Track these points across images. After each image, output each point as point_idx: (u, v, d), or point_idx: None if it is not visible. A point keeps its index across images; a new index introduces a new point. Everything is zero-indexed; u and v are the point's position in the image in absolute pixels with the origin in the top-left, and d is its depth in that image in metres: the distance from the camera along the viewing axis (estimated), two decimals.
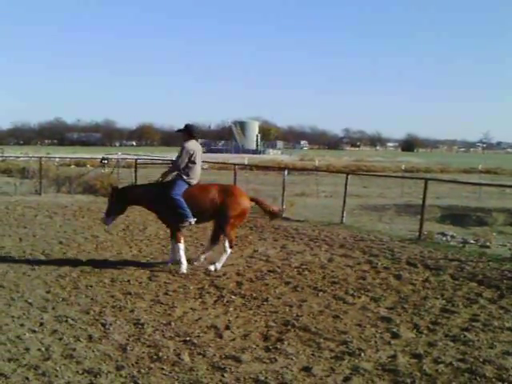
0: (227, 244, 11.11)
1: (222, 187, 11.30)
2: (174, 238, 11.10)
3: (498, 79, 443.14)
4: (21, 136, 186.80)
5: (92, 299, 9.01)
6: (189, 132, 11.22)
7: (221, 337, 7.38)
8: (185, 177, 10.96)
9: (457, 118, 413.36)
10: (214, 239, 11.50)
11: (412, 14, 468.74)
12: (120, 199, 11.35)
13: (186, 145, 11.01)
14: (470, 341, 7.31)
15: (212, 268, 10.99)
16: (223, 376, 6.12)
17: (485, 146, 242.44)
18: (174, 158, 11.44)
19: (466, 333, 7.63)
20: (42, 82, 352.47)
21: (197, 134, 11.38)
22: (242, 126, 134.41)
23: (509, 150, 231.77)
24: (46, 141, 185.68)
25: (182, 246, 11.04)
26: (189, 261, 11.17)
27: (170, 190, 10.81)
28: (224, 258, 11.14)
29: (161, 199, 10.90)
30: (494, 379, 6.08)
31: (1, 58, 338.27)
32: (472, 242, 14.92)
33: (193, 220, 10.84)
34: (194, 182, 11.08)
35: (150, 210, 11.72)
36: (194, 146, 11.10)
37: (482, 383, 6.00)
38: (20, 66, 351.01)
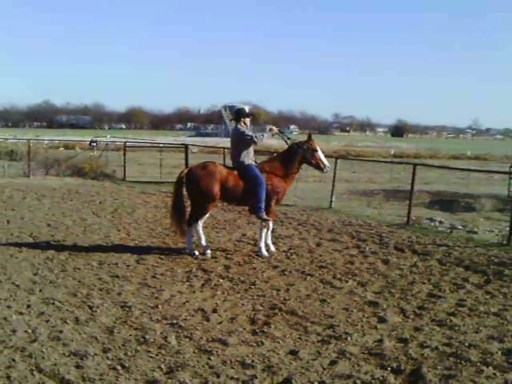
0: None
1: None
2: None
3: (487, 66, 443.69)
4: (9, 118, 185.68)
5: (79, 282, 9.01)
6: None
7: (208, 320, 7.40)
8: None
9: (446, 105, 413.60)
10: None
11: None
12: None
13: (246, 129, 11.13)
14: (456, 325, 7.34)
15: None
16: (210, 359, 6.13)
17: (474, 132, 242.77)
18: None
19: (452, 317, 7.65)
20: (31, 64, 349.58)
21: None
22: (231, 110, 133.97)
23: (498, 136, 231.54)
24: (35, 123, 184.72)
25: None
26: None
27: None
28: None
29: None
30: (478, 363, 6.10)
31: None
32: (460, 227, 14.96)
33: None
34: (232, 164, 11.20)
35: None
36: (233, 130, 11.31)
37: (467, 367, 6.02)
38: (11, 47, 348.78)
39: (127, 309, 7.75)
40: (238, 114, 11.28)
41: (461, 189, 25.80)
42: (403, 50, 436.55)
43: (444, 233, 14.12)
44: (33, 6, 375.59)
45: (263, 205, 10.73)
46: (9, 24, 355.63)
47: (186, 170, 11.10)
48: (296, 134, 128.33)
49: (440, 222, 15.67)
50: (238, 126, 11.08)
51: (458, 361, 6.18)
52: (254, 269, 10.07)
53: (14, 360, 5.97)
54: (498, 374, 5.88)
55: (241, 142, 10.93)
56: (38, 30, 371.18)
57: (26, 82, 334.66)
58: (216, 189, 10.57)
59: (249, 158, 10.96)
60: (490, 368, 6.00)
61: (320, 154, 11.36)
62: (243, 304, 8.10)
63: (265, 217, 10.83)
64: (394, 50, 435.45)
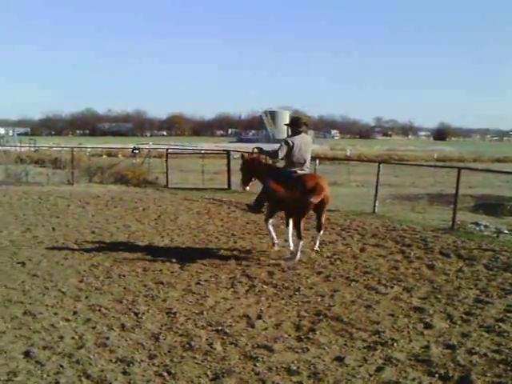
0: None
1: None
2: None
3: None
4: (52, 126, 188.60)
5: (125, 288, 9.09)
6: (292, 125, 11.71)
7: (253, 326, 7.39)
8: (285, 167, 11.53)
9: (490, 107, 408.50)
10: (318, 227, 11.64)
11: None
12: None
13: (287, 138, 11.45)
14: (505, 332, 7.22)
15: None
16: (255, 365, 6.14)
17: None
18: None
19: (500, 323, 7.53)
20: (72, 72, 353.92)
21: (299, 126, 11.63)
22: (272, 115, 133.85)
23: None
24: (78, 131, 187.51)
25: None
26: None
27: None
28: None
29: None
30: None
31: (31, 46, 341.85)
32: (506, 231, 14.75)
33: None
34: (296, 172, 11.32)
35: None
36: (296, 139, 11.32)
37: None
38: (50, 55, 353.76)
39: (172, 315, 7.78)
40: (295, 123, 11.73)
41: (506, 192, 25.46)
42: (447, 51, 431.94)
43: (490, 237, 13.93)
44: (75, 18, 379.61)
45: None
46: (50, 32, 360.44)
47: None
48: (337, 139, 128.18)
49: (485, 227, 15.47)
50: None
51: (509, 368, 6.07)
52: (298, 275, 10.04)
53: (61, 366, 6.04)
54: None
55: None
56: (81, 41, 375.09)
57: (69, 91, 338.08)
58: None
59: None
60: None
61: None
62: (288, 310, 8.09)
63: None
64: (438, 50, 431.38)
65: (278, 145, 11.38)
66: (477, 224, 15.77)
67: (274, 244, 11.93)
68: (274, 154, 11.42)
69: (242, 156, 12.57)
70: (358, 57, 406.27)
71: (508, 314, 7.93)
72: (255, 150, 12.19)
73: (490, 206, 20.68)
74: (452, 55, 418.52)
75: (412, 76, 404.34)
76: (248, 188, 12.32)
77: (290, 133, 11.71)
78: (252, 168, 12.01)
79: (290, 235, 11.53)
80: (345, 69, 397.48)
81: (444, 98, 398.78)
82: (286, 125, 12.22)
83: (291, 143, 11.17)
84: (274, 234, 11.91)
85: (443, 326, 7.49)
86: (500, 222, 16.80)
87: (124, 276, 9.84)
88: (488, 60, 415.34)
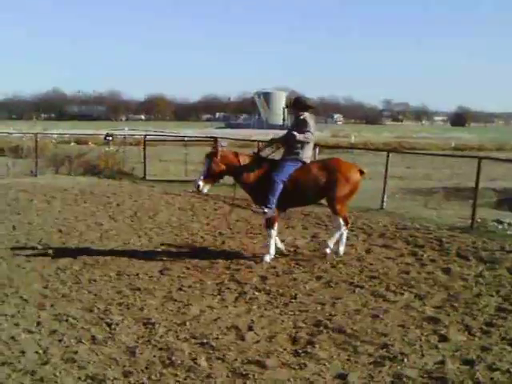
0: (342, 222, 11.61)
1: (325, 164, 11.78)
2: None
3: None
4: (13, 110, 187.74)
5: (96, 295, 9.09)
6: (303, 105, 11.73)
7: (243, 339, 7.40)
8: (301, 155, 11.44)
9: None
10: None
11: None
12: None
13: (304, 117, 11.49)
14: None
15: (328, 250, 11.59)
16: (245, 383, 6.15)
17: None
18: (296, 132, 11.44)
19: None
20: (35, 45, 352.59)
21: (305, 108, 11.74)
22: (266, 97, 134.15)
23: None
24: (43, 115, 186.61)
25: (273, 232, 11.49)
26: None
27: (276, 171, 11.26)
28: (344, 238, 11.78)
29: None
30: None
31: None
32: None
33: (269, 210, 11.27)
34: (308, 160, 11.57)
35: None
36: (311, 120, 11.55)
37: None
38: (9, 21, 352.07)
39: (150, 326, 7.78)
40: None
41: None
42: (464, 29, 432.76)
43: None
44: None
45: None
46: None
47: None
48: (340, 124, 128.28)
49: (509, 225, 15.47)
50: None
51: None
52: (295, 280, 10.06)
53: None
54: None
55: None
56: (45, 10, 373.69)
57: (33, 68, 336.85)
58: None
59: None
60: None
61: None
62: (283, 320, 8.10)
63: None
64: (453, 29, 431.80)
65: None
66: (499, 222, 15.78)
67: (269, 254, 11.41)
68: (306, 138, 11.33)
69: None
70: (364, 29, 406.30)
71: None
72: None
73: None
74: (469, 22, 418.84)
75: (426, 52, 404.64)
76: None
77: (288, 115, 11.80)
78: (231, 164, 11.44)
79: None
80: (349, 44, 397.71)
81: (463, 78, 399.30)
82: (288, 106, 12.15)
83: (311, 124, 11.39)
84: (274, 243, 11.61)
85: (460, 338, 7.51)
86: None
87: (95, 281, 9.83)
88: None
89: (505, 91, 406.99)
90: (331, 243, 11.55)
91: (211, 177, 11.22)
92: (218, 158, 11.20)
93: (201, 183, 11.10)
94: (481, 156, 17.13)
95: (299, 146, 11.31)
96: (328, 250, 11.48)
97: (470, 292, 9.48)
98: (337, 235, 11.60)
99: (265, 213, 11.15)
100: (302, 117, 11.42)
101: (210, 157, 11.24)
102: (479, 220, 15.39)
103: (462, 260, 11.57)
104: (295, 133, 11.19)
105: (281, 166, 11.20)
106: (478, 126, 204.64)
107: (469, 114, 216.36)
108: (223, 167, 11.23)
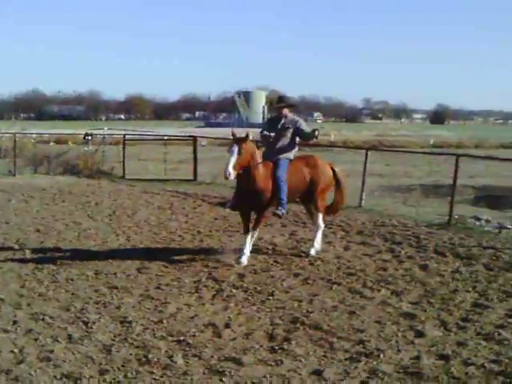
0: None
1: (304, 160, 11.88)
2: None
3: None
4: None
5: (73, 294, 9.07)
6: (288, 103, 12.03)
7: (220, 336, 7.41)
8: (293, 153, 11.70)
9: (494, 86, 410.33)
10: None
11: None
12: None
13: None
14: (506, 339, 7.30)
15: (313, 252, 11.56)
16: (222, 381, 6.15)
17: None
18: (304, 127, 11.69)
19: (500, 330, 7.61)
20: (15, 48, 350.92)
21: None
22: (246, 96, 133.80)
23: None
24: (22, 115, 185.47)
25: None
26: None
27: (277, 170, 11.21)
28: (320, 236, 11.84)
29: None
30: None
31: None
32: (510, 227, 14.83)
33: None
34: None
35: None
36: None
37: None
38: None
39: (127, 324, 7.77)
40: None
41: (511, 182, 25.60)
42: (443, 27, 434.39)
43: (491, 233, 14.05)
44: None
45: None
46: None
47: None
48: (320, 123, 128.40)
49: (487, 221, 15.56)
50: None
51: (508, 380, 6.14)
52: (272, 277, 10.08)
53: None
54: None
55: None
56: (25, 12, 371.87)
57: (12, 69, 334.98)
58: None
59: None
60: None
61: None
62: (260, 317, 8.12)
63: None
64: (431, 28, 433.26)
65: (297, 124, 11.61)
66: (477, 218, 15.87)
67: (243, 256, 11.08)
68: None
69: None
70: (344, 28, 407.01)
71: (509, 320, 8.04)
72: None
73: (492, 198, 20.83)
74: (450, 22, 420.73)
75: (405, 50, 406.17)
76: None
77: (268, 113, 11.82)
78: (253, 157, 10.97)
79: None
80: (329, 43, 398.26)
81: (442, 76, 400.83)
82: (272, 104, 12.17)
83: None
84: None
85: (436, 334, 7.56)
86: (503, 216, 16.88)
87: (72, 280, 9.80)
88: (491, 27, 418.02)
89: (484, 89, 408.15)
90: (317, 244, 11.64)
91: (239, 164, 10.49)
92: (248, 144, 10.71)
93: (231, 171, 10.35)
94: (459, 153, 17.23)
95: (293, 144, 11.49)
96: (313, 252, 11.52)
97: (447, 288, 9.54)
98: (319, 234, 11.72)
99: (282, 214, 11.21)
100: (295, 117, 11.79)
101: (239, 143, 10.59)
102: (457, 217, 15.47)
103: (439, 256, 11.62)
104: (316, 133, 11.47)
105: (281, 164, 11.16)
106: (458, 123, 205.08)
107: (448, 112, 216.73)
108: (249, 157, 10.69)
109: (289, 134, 11.38)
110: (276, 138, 11.36)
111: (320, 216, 11.63)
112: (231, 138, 10.61)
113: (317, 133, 11.48)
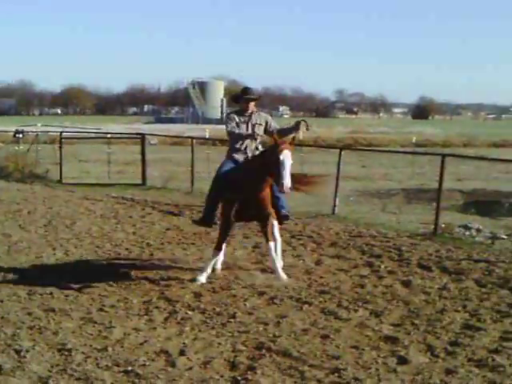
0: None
1: None
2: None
3: None
4: None
5: (2, 318, 8.97)
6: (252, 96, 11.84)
7: (173, 365, 7.36)
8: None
9: (484, 77, 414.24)
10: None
11: None
12: None
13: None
14: (500, 366, 7.33)
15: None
16: None
17: None
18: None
19: (494, 355, 7.64)
20: None
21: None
22: (201, 87, 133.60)
23: None
24: None
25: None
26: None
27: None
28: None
29: None
30: None
31: None
32: (504, 236, 14.97)
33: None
34: None
35: None
36: None
37: None
38: None
39: (66, 353, 7.70)
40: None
41: (504, 186, 25.82)
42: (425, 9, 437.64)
43: (483, 244, 14.15)
44: None
45: None
46: None
47: None
48: (287, 118, 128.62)
49: (477, 231, 15.67)
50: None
51: None
52: (234, 296, 10.07)
53: None
54: None
55: None
56: None
57: None
58: None
59: None
60: None
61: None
62: (220, 343, 8.08)
63: None
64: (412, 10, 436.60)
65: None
66: (466, 227, 15.96)
67: (204, 274, 11.02)
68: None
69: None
70: (313, 10, 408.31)
71: (504, 344, 8.05)
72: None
73: (483, 203, 20.95)
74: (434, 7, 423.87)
75: (383, 37, 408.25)
76: None
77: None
78: None
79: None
80: (297, 29, 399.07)
81: (424, 65, 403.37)
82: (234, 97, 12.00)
83: None
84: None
85: (422, 360, 7.57)
86: (496, 225, 17.02)
87: (1, 302, 9.72)
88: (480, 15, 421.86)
89: (474, 79, 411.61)
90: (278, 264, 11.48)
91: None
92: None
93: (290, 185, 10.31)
94: (445, 153, 17.37)
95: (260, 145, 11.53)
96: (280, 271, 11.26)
97: (433, 307, 9.58)
98: (278, 246, 11.67)
99: (288, 212, 11.33)
100: (262, 112, 11.84)
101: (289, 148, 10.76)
102: (443, 226, 15.56)
103: (423, 271, 11.69)
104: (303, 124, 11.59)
105: None
106: (444, 118, 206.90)
107: (432, 106, 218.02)
108: None
109: (261, 132, 11.37)
110: (247, 137, 11.31)
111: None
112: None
113: (303, 124, 11.54)
